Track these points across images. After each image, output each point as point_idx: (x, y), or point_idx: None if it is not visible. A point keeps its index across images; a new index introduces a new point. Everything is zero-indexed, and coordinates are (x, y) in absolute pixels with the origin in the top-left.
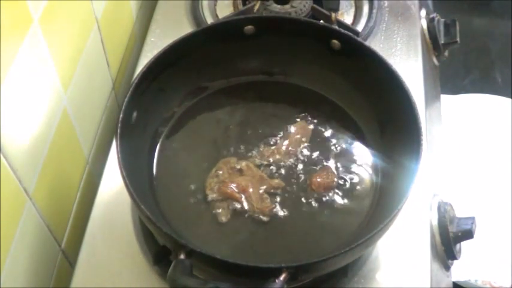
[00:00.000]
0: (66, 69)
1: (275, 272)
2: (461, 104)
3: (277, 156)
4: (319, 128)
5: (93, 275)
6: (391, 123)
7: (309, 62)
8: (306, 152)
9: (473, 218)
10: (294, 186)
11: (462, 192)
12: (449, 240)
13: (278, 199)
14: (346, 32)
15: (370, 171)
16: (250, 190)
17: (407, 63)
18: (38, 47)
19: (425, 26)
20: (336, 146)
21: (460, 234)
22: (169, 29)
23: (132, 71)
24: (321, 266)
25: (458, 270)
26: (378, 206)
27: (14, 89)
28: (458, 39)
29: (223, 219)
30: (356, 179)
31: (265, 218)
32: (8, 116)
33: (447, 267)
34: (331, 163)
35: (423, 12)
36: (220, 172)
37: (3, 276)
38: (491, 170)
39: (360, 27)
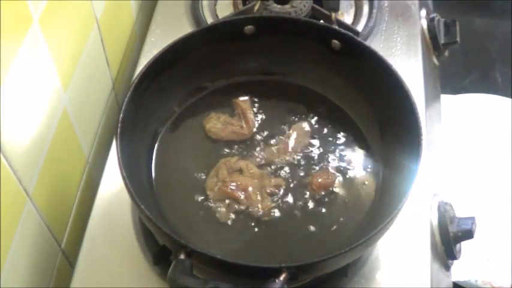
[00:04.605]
0: (66, 69)
1: (275, 272)
2: (461, 104)
3: (278, 156)
4: (319, 127)
5: (93, 275)
6: (391, 123)
7: (309, 62)
8: (306, 151)
9: (473, 218)
10: (294, 186)
11: (462, 192)
12: (449, 240)
13: (278, 199)
14: (346, 32)
15: (370, 171)
16: (250, 190)
17: (407, 63)
18: (38, 47)
19: (425, 26)
20: (336, 146)
21: (460, 234)
22: (169, 29)
23: (132, 71)
24: (321, 266)
25: (458, 270)
26: (378, 206)
27: (14, 89)
28: (458, 39)
29: (224, 219)
30: (356, 179)
31: (265, 218)
32: (8, 116)
33: (447, 267)
34: (331, 163)
35: (423, 12)
36: (221, 172)
37: (3, 276)
38: (491, 170)
39: (360, 27)
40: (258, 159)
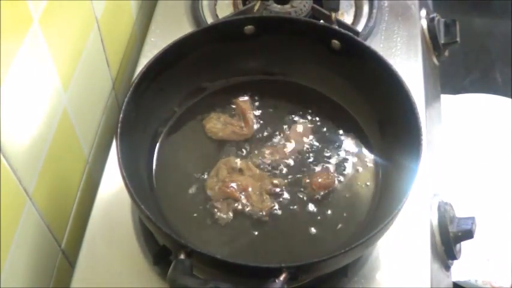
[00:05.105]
0: (66, 69)
1: (275, 272)
2: (461, 104)
3: (278, 156)
4: (320, 127)
5: (93, 275)
6: (391, 123)
7: (309, 62)
8: (306, 151)
9: (473, 218)
10: (295, 186)
11: (462, 192)
12: (449, 240)
13: (278, 199)
14: (346, 32)
15: (370, 171)
16: (250, 190)
17: (407, 63)
18: (38, 47)
19: (425, 26)
20: (336, 145)
21: (460, 234)
22: (169, 29)
23: (132, 71)
24: (321, 266)
25: (458, 270)
26: (378, 206)
27: (14, 89)
28: (458, 39)
29: (224, 219)
30: (356, 179)
31: (265, 218)
32: (8, 116)
33: (447, 267)
34: (331, 163)
35: (423, 12)
36: (220, 172)
37: (3, 276)
38: (491, 170)
39: (360, 27)
40: (258, 159)
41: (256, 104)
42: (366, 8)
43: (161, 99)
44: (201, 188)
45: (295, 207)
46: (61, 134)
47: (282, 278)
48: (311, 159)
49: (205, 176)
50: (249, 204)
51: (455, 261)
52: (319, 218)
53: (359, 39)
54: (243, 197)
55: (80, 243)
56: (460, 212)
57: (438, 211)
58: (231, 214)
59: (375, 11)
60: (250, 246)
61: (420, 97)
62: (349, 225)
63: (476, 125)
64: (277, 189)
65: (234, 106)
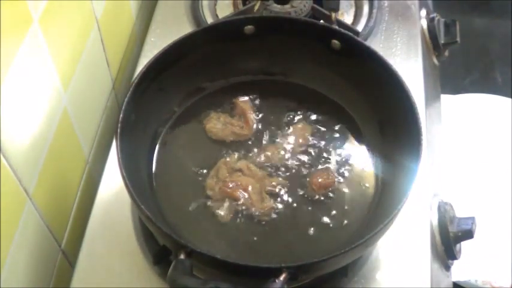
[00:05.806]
0: (66, 69)
1: (275, 272)
2: (461, 104)
3: (278, 156)
4: (320, 127)
5: (93, 275)
6: (391, 123)
7: (309, 62)
8: (306, 151)
9: (473, 218)
10: (294, 186)
11: (462, 192)
12: (449, 240)
13: (278, 199)
14: (346, 32)
15: (370, 171)
16: (250, 190)
17: (407, 63)
18: (38, 47)
19: (425, 26)
20: (337, 145)
21: (460, 234)
22: (169, 29)
23: (132, 71)
24: (321, 266)
25: (458, 270)
26: (378, 206)
27: (14, 89)
28: (458, 39)
29: (224, 219)
30: (356, 179)
31: (265, 218)
32: (8, 116)
33: (447, 267)
34: (331, 163)
35: (423, 12)
36: (221, 172)
37: (3, 276)
38: (491, 170)
39: (360, 27)
40: (258, 159)
41: (256, 104)
42: (366, 8)
43: (161, 99)
44: (201, 188)
45: (295, 207)
46: (61, 134)
47: (282, 278)
48: (311, 159)
49: (206, 176)
50: (249, 204)
51: (455, 261)
52: (319, 218)
53: (359, 39)
54: (243, 197)
55: (80, 243)
56: (460, 212)
57: (438, 211)
58: (231, 214)
59: (375, 11)
60: (250, 246)
61: (420, 97)
62: (349, 225)
63: (476, 125)
64: (277, 189)
65: (234, 106)
